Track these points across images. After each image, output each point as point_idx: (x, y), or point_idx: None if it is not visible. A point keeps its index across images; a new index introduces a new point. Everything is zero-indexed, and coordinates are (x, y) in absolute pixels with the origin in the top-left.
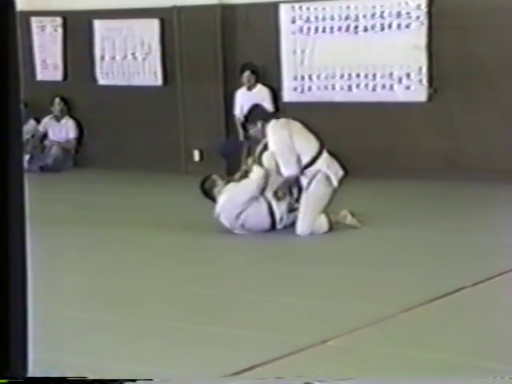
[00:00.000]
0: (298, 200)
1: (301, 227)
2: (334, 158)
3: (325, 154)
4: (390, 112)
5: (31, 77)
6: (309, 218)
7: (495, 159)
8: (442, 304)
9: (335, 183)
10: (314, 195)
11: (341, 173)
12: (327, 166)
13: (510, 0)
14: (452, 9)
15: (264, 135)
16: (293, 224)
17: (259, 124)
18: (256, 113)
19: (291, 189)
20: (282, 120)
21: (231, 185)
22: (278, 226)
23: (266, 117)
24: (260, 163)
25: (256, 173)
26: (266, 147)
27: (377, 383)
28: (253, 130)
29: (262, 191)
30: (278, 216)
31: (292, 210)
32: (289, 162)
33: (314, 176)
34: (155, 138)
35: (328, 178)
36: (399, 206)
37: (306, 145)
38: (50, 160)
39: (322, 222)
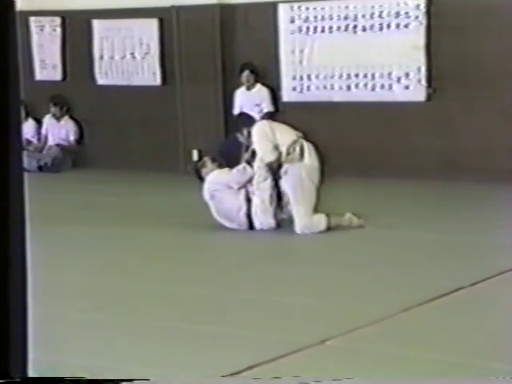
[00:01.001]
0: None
1: (298, 223)
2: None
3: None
4: (388, 112)
5: (30, 77)
6: (304, 212)
7: (494, 159)
8: (440, 304)
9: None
10: (298, 188)
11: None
12: (307, 147)
13: (510, 0)
14: (451, 9)
15: (250, 142)
16: (289, 219)
17: (245, 131)
18: (242, 121)
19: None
20: (263, 121)
21: (218, 170)
22: (256, 222)
23: (252, 124)
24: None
25: (242, 168)
26: (253, 154)
27: (376, 383)
28: (241, 138)
29: (240, 187)
30: (253, 207)
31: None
32: (267, 148)
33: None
34: (154, 138)
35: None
36: (397, 205)
37: (286, 133)
38: (49, 160)
39: (321, 220)
